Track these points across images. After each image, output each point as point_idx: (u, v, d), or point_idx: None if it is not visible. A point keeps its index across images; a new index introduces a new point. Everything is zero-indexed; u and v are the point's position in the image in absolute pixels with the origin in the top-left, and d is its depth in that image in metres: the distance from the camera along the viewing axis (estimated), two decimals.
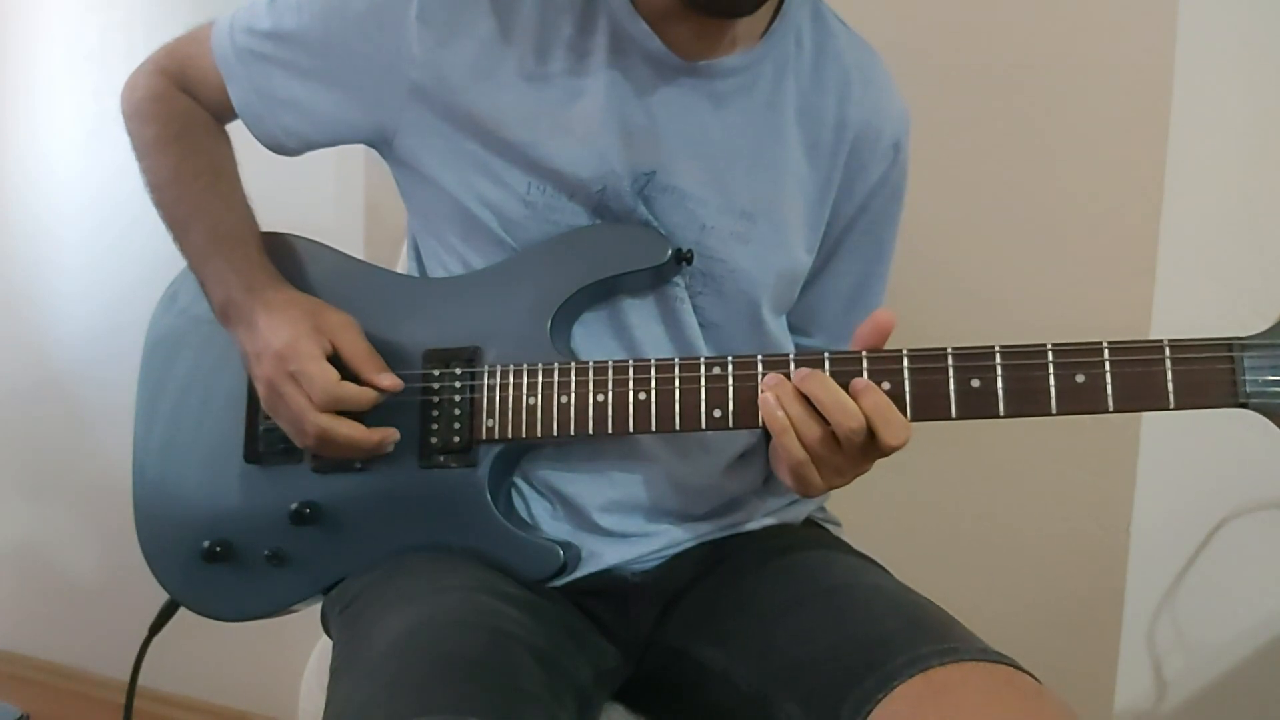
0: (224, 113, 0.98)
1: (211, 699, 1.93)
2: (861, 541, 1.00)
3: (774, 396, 0.76)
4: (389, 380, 0.87)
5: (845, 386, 0.75)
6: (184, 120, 0.98)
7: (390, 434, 0.88)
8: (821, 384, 0.75)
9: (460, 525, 0.88)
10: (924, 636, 0.73)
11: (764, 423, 0.78)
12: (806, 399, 0.76)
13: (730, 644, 0.84)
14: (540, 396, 0.85)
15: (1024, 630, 1.37)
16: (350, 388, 0.86)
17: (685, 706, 0.88)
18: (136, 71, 1.01)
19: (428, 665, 0.70)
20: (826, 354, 0.78)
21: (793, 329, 1.00)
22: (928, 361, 0.76)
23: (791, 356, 0.79)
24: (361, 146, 0.95)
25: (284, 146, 0.96)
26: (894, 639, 0.74)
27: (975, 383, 0.75)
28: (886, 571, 0.91)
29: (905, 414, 0.76)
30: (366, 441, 0.87)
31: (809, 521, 1.02)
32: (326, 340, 0.87)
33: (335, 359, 0.87)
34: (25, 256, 2.03)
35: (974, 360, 0.75)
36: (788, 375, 0.78)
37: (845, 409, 0.74)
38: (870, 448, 0.76)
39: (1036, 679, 0.72)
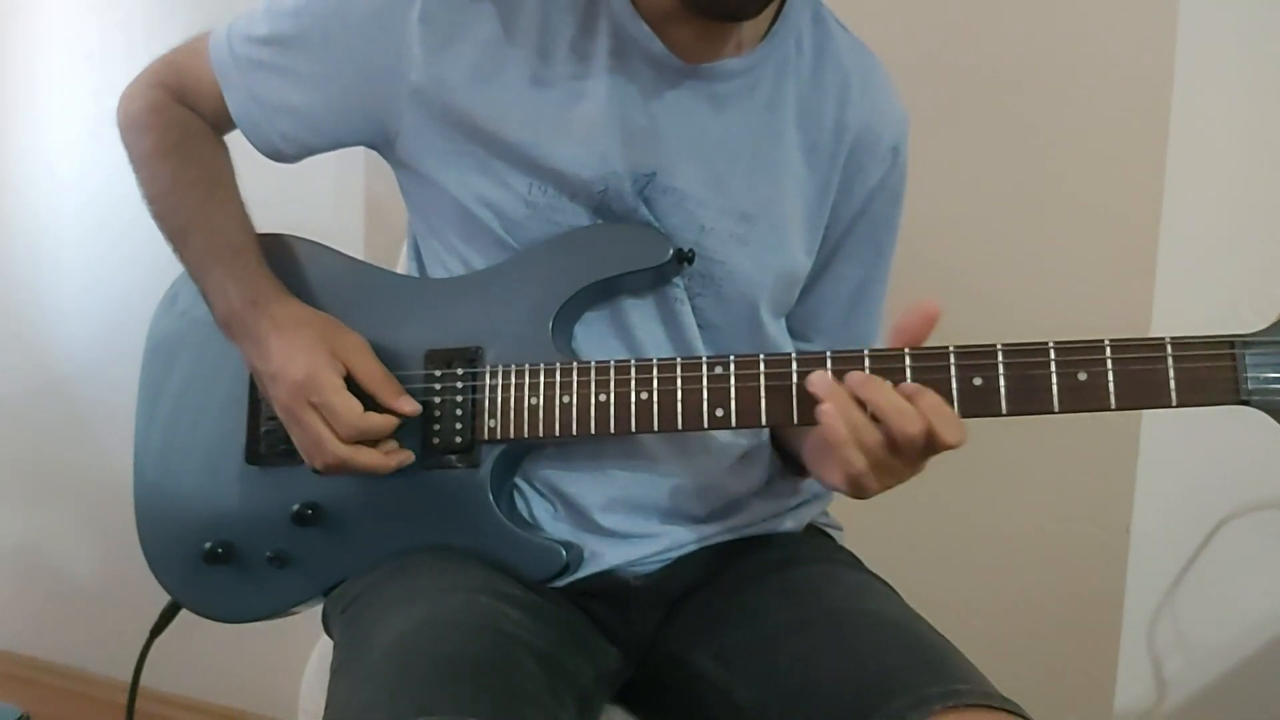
0: (222, 123, 0.97)
1: (212, 699, 1.93)
2: (862, 543, 1.00)
3: (834, 407, 0.73)
4: (410, 406, 0.87)
5: None
6: (181, 130, 0.97)
7: (406, 457, 0.88)
8: (879, 390, 0.73)
9: (462, 525, 0.88)
10: (928, 675, 0.72)
11: (823, 433, 0.74)
12: (861, 405, 0.74)
13: (732, 661, 0.83)
14: (542, 396, 0.85)
15: (1024, 630, 1.37)
16: (375, 419, 0.86)
17: (684, 713, 0.88)
18: (133, 84, 1.00)
19: (428, 666, 0.70)
20: (829, 353, 0.78)
21: (793, 333, 0.99)
22: (930, 360, 0.76)
23: (793, 356, 0.79)
24: (361, 147, 0.95)
25: (282, 153, 0.96)
26: (897, 676, 0.73)
27: (977, 381, 0.75)
28: (891, 590, 0.90)
29: None
30: (384, 468, 0.87)
31: (812, 527, 1.01)
32: (341, 364, 0.87)
33: (349, 381, 0.87)
34: (25, 256, 2.03)
35: (976, 359, 0.75)
36: (839, 377, 0.75)
37: (906, 414, 0.72)
38: (926, 449, 0.74)
39: None
